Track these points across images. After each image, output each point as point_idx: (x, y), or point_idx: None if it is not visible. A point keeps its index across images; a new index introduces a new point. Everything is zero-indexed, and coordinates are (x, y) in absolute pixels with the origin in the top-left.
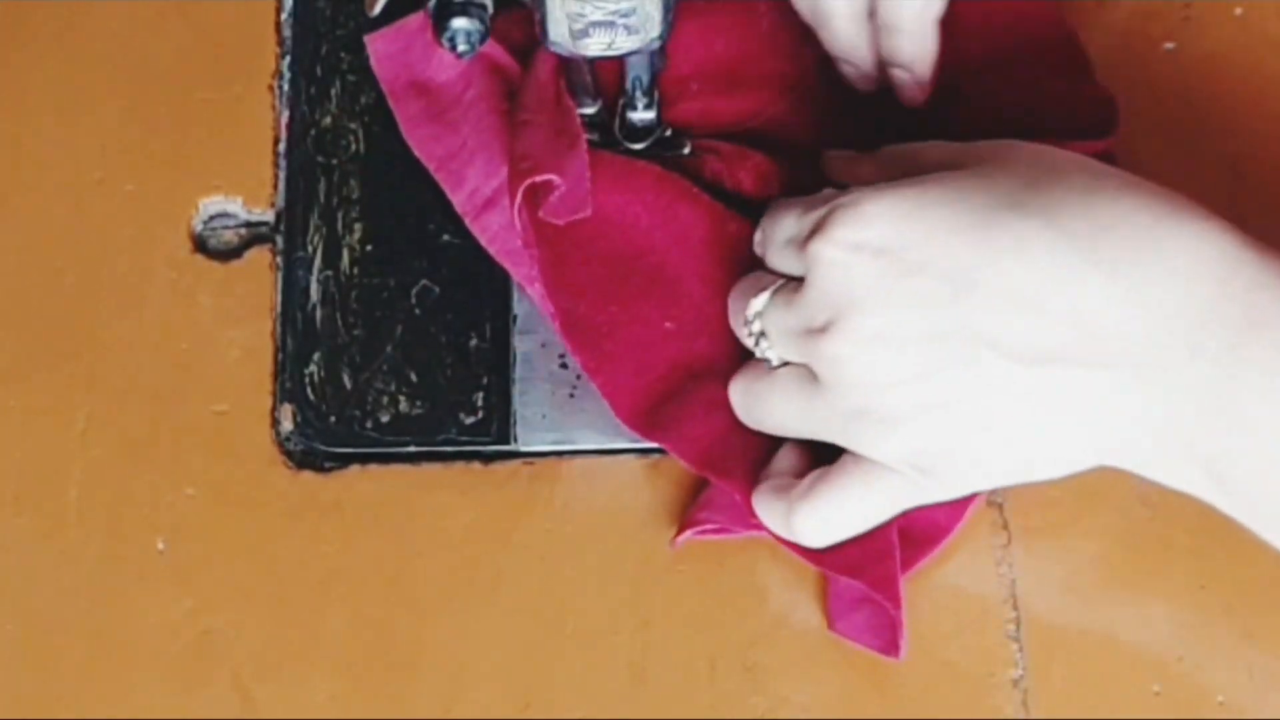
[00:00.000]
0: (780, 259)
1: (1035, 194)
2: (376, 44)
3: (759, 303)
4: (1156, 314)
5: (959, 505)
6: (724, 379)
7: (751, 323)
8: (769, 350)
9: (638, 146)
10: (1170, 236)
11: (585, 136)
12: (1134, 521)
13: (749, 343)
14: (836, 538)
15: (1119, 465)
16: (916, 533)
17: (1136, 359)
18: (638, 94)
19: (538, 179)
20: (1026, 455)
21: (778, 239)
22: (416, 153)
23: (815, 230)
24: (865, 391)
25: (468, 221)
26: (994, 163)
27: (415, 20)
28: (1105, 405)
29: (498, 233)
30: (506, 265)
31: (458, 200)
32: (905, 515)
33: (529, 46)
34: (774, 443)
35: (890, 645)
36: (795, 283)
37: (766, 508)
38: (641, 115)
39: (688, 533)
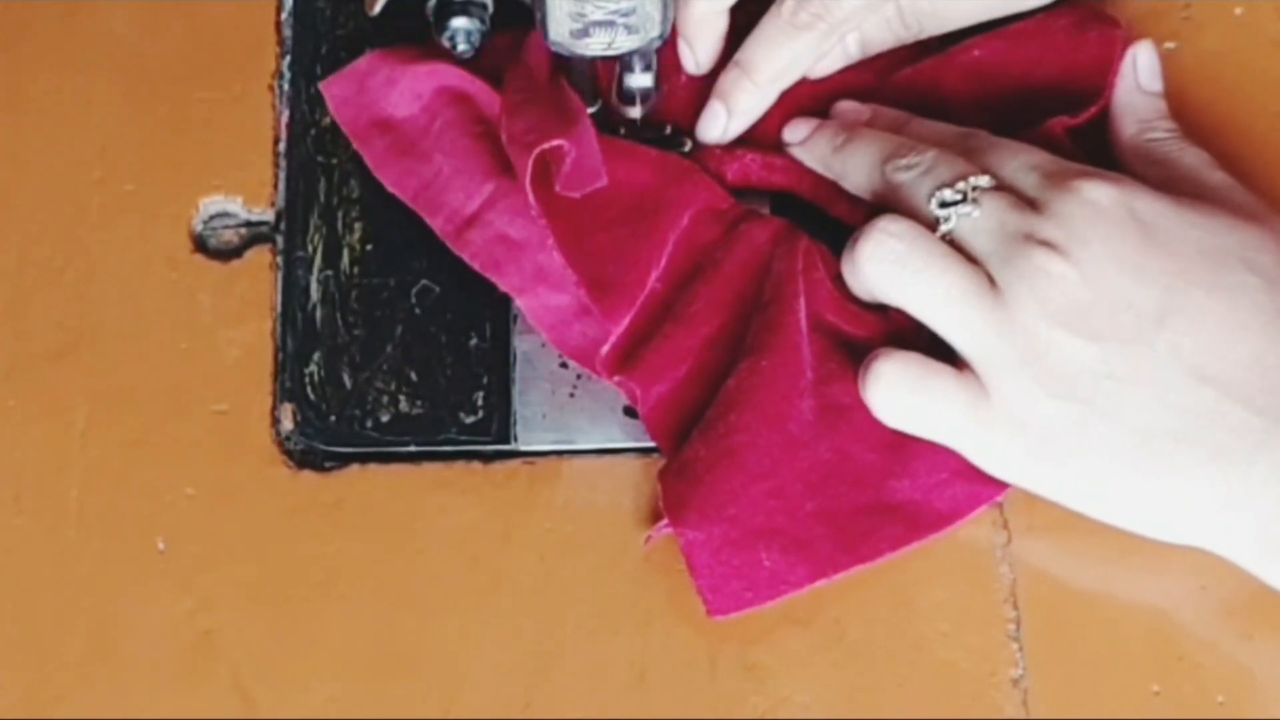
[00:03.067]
0: (1015, 174)
1: (1271, 260)
2: (332, 90)
3: (983, 180)
4: None
5: (960, 503)
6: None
7: (962, 193)
8: (960, 219)
9: (634, 112)
10: None
11: (588, 111)
12: None
13: (934, 200)
14: (896, 409)
15: (1216, 535)
16: (912, 514)
17: None
18: (634, 57)
19: (547, 145)
20: (1126, 471)
21: (1019, 163)
22: (390, 189)
23: (1098, 175)
24: (1040, 315)
25: (450, 243)
26: (1256, 222)
27: (364, 62)
28: (1244, 449)
29: (481, 247)
30: (494, 278)
31: (437, 224)
32: (903, 491)
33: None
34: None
35: (713, 603)
36: (1008, 192)
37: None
38: (639, 79)
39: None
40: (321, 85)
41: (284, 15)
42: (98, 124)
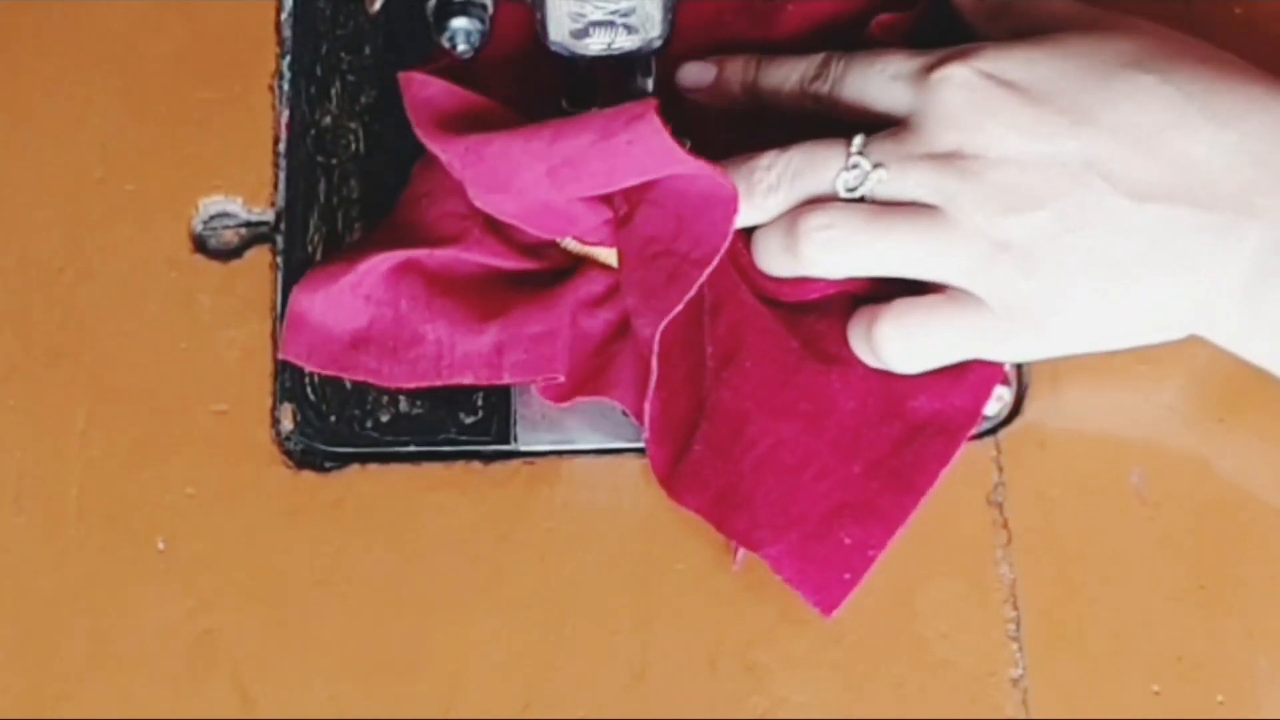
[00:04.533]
0: (881, 92)
1: (1155, 58)
2: (291, 350)
3: (859, 141)
4: (1264, 165)
5: (978, 390)
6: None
7: (854, 159)
8: (876, 186)
9: None
10: (1278, 101)
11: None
12: (1134, 521)
13: (842, 188)
14: (914, 357)
15: (1202, 325)
16: (942, 422)
17: (1242, 204)
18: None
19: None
20: (1114, 305)
21: (879, 79)
22: (417, 388)
23: (945, 60)
24: (987, 213)
25: (496, 382)
26: (1119, 30)
27: (297, 301)
28: (1205, 247)
29: (526, 361)
30: (555, 375)
31: (469, 379)
32: (924, 406)
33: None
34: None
35: (823, 603)
36: (888, 129)
37: (851, 328)
38: (639, 84)
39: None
40: (281, 356)
41: (284, 15)
42: (98, 124)
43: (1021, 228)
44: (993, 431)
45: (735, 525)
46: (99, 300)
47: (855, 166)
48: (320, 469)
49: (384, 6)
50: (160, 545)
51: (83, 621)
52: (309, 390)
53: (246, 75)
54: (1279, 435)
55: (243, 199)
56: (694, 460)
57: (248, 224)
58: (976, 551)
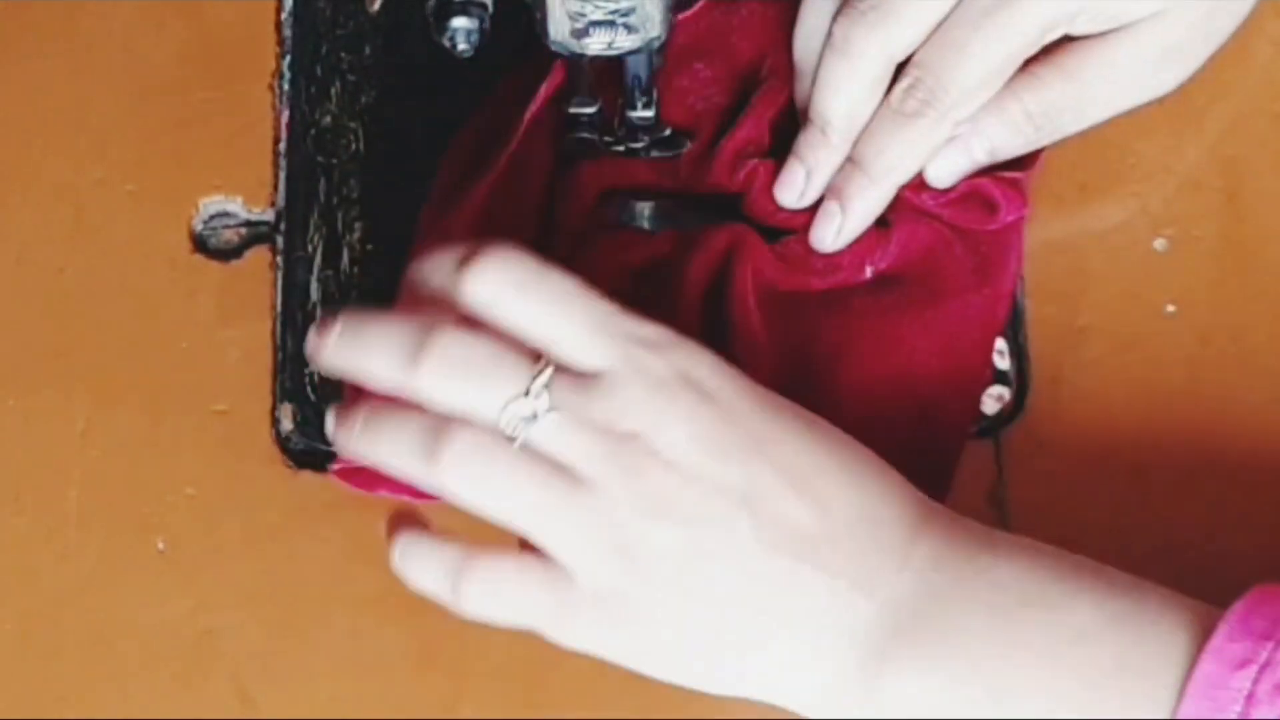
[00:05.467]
0: (579, 345)
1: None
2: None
3: (545, 378)
4: (877, 539)
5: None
6: None
7: (535, 397)
8: (540, 430)
9: (637, 145)
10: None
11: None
12: (1134, 522)
13: (510, 413)
14: (492, 616)
15: (800, 695)
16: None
17: (860, 575)
18: (636, 93)
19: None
20: (707, 647)
21: (586, 321)
22: None
23: (657, 343)
24: (633, 510)
25: None
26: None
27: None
28: (819, 610)
29: None
30: None
31: None
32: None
33: None
34: None
35: None
36: (569, 374)
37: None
38: (640, 114)
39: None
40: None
41: (284, 15)
42: (98, 124)
43: (658, 536)
44: (993, 431)
45: None
46: (99, 300)
47: (528, 400)
48: (320, 469)
49: (384, 6)
50: (160, 545)
51: (83, 621)
52: (309, 390)
53: (246, 75)
54: None
55: (243, 199)
56: None
57: (248, 224)
58: None
